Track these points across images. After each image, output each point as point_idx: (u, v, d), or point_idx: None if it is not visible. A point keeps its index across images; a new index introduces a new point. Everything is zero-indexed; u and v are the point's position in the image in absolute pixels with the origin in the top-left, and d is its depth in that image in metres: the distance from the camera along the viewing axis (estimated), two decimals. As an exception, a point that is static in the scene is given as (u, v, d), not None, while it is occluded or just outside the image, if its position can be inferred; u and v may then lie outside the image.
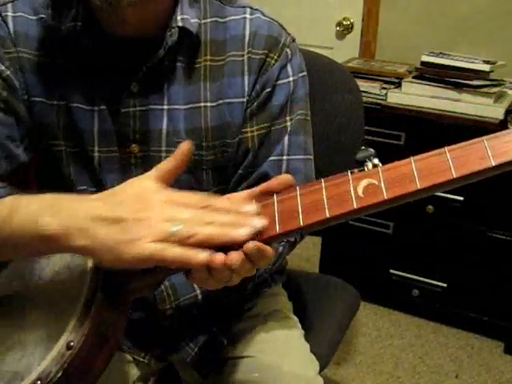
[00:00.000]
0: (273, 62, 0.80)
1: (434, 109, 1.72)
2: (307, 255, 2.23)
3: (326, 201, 0.55)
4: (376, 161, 0.56)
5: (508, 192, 1.69)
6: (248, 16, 0.80)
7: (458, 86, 1.70)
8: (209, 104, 0.79)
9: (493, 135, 0.52)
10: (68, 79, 0.78)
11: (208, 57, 0.79)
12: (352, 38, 2.19)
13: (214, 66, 0.79)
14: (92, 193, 0.65)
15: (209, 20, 0.79)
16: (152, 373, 0.95)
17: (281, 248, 0.84)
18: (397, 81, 1.84)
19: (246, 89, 0.80)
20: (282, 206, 0.57)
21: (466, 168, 0.51)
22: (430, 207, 1.80)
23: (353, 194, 0.54)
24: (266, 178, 0.83)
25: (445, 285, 1.86)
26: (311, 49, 1.24)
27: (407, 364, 1.79)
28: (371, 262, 1.97)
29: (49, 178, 0.85)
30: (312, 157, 0.87)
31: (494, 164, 0.50)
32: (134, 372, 0.92)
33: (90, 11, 0.75)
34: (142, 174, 0.77)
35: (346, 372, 1.76)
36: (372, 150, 0.57)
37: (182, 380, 0.96)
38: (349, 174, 0.56)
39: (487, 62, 1.70)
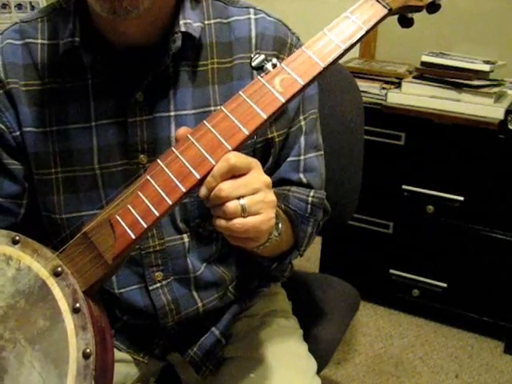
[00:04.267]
0: None
1: (434, 109, 1.72)
2: (307, 255, 2.22)
3: (256, 107, 0.59)
4: (274, 61, 0.61)
5: (508, 192, 1.69)
6: (252, 16, 0.80)
7: (458, 86, 1.70)
8: (219, 107, 0.78)
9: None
10: (62, 101, 0.76)
11: (215, 59, 0.77)
12: (352, 38, 2.19)
13: (222, 69, 0.78)
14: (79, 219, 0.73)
15: (212, 21, 0.78)
16: (152, 373, 0.95)
17: (309, 228, 0.84)
18: (397, 81, 1.84)
19: None
20: (218, 129, 0.59)
21: (348, 42, 0.62)
22: (430, 207, 1.80)
23: (275, 92, 0.60)
24: (284, 180, 0.84)
25: (445, 285, 1.86)
26: (311, 49, 1.23)
27: (407, 364, 1.79)
28: (371, 261, 1.97)
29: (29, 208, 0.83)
30: (322, 151, 0.89)
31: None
32: (134, 372, 0.92)
33: (88, 23, 0.73)
34: None
35: (346, 372, 1.76)
36: (262, 55, 0.62)
37: (181, 380, 0.96)
38: (259, 79, 0.61)
39: (487, 62, 1.70)
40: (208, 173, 0.58)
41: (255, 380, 0.86)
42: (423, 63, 1.76)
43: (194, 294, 0.86)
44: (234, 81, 0.78)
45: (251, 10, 0.80)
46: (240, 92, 0.61)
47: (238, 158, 0.58)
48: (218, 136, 0.59)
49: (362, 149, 1.18)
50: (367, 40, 2.15)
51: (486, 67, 1.69)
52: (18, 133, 0.77)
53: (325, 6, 2.20)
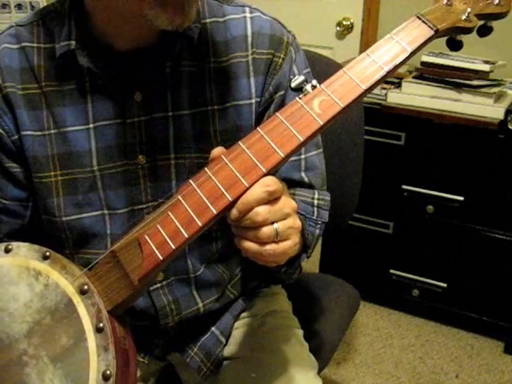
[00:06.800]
0: (280, 61, 0.79)
1: (433, 109, 1.72)
2: (307, 255, 2.23)
3: (292, 129, 0.58)
4: (314, 82, 0.60)
5: (508, 192, 1.69)
6: (248, 15, 0.79)
7: (458, 86, 1.70)
8: (216, 107, 0.78)
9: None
10: (60, 103, 0.75)
11: (211, 59, 0.77)
12: (352, 37, 2.19)
13: (218, 68, 0.78)
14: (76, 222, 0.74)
15: (208, 20, 0.78)
16: (152, 373, 0.95)
17: (317, 231, 0.84)
18: (397, 81, 1.84)
19: (254, 90, 0.79)
20: (253, 150, 0.58)
21: (391, 63, 0.61)
22: (430, 207, 1.80)
23: (313, 114, 0.58)
24: (286, 180, 0.84)
25: (445, 285, 1.86)
26: (311, 49, 1.23)
27: (407, 364, 1.79)
28: (371, 261, 1.97)
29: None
30: (322, 149, 0.88)
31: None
32: (134, 372, 0.92)
33: (84, 25, 0.73)
34: (150, 185, 0.78)
35: (346, 372, 1.76)
36: (302, 76, 0.61)
37: (181, 380, 0.96)
38: (298, 100, 0.59)
39: (487, 62, 1.70)
40: (240, 195, 0.57)
41: (256, 380, 0.86)
42: (423, 63, 1.76)
43: (195, 294, 0.86)
44: (230, 80, 0.78)
45: (246, 9, 0.80)
46: (277, 113, 0.59)
47: (276, 186, 0.58)
48: (253, 157, 0.57)
49: (362, 149, 1.17)
50: (367, 40, 2.15)
51: (486, 67, 1.69)
52: (16, 136, 0.76)
53: (317, 5, 2.20)
